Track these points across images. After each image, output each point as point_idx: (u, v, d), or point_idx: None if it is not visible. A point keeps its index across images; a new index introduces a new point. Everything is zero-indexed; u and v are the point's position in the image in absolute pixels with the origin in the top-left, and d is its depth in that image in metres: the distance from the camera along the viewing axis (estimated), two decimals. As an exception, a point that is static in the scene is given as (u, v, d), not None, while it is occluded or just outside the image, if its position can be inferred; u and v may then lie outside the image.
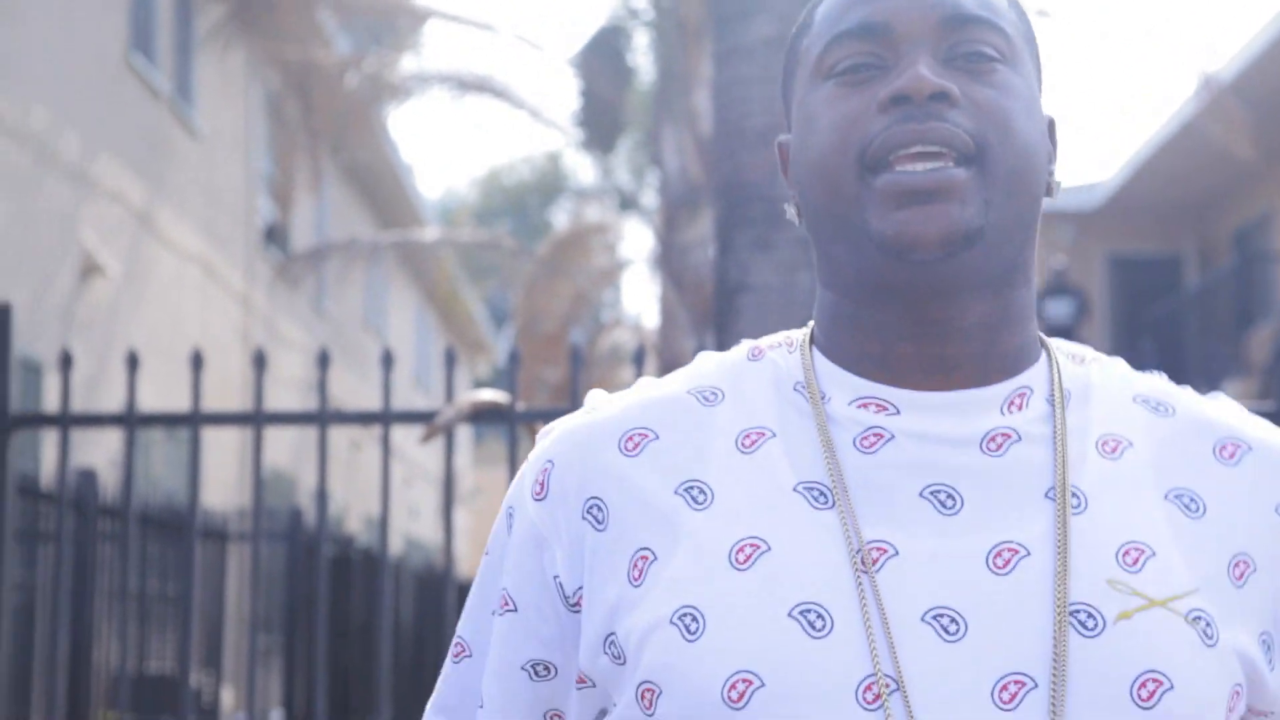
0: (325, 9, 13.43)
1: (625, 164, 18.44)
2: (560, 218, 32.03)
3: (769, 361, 1.10)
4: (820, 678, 0.96)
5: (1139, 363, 1.23)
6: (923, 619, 0.98)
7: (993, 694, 0.96)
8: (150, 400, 10.46)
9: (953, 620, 0.98)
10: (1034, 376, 1.07)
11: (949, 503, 1.01)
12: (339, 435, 16.60)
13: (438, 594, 10.62)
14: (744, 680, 0.97)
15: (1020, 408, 1.05)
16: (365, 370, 18.39)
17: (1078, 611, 0.98)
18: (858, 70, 1.04)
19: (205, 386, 3.51)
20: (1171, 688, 0.97)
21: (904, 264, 1.01)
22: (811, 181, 1.06)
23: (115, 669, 5.98)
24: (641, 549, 1.03)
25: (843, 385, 1.06)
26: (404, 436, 19.04)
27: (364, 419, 3.61)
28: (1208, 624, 1.00)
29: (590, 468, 1.06)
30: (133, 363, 3.48)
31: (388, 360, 3.46)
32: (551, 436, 1.11)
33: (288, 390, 14.64)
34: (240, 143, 14.06)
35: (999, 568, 0.99)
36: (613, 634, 1.03)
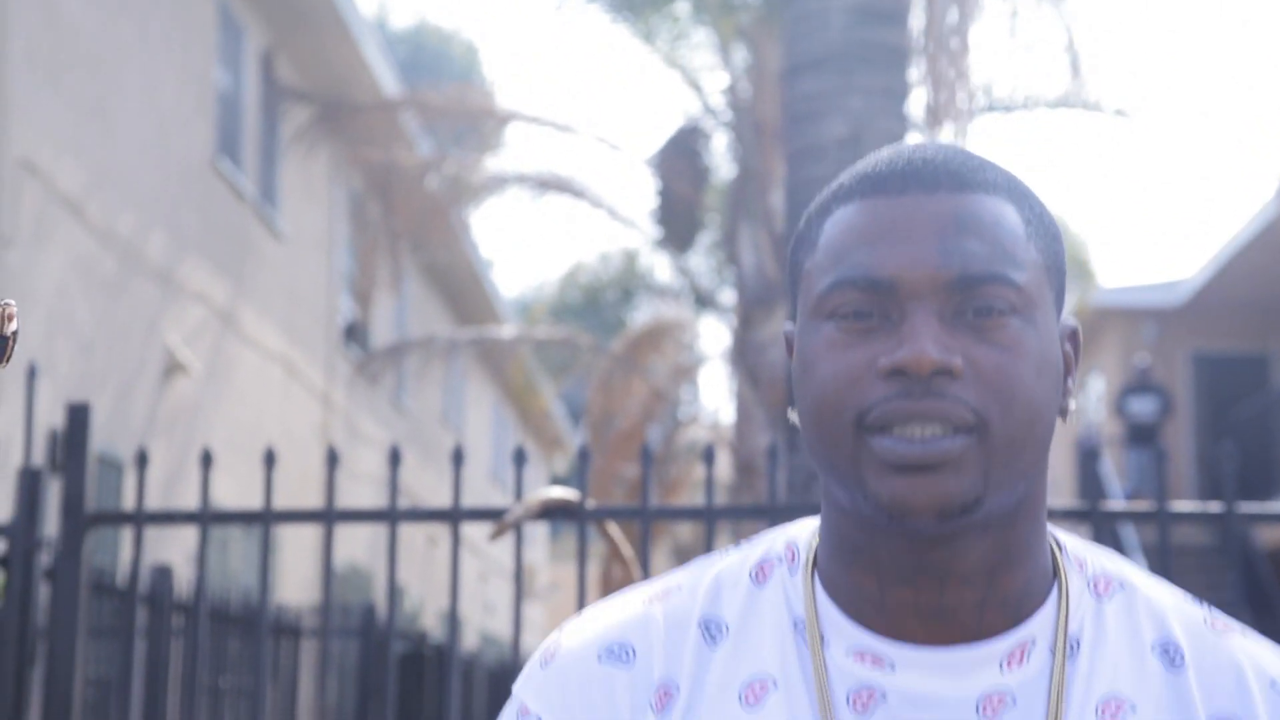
0: (408, 112, 13.66)
1: (702, 262, 18.50)
2: (637, 315, 32.17)
3: (772, 587, 1.08)
4: None
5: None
6: None
7: None
8: (231, 497, 10.54)
9: None
10: (1039, 624, 1.04)
11: None
12: (416, 531, 16.62)
13: (509, 689, 10.56)
14: None
15: (1021, 662, 1.02)
16: (442, 466, 18.46)
17: None
18: (860, 318, 1.02)
19: (285, 483, 3.53)
20: None
21: (899, 524, 1.00)
22: (809, 426, 1.04)
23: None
24: None
25: (841, 631, 1.04)
26: (479, 532, 19.06)
27: (434, 516, 3.61)
28: None
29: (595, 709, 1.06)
30: (206, 461, 3.51)
31: (458, 457, 3.47)
32: (560, 664, 1.09)
33: (366, 486, 14.72)
34: (322, 243, 14.27)
35: None
36: None
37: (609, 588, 15.78)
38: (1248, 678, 1.03)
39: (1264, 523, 3.34)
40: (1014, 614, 1.03)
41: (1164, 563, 3.23)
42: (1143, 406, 16.25)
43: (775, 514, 3.46)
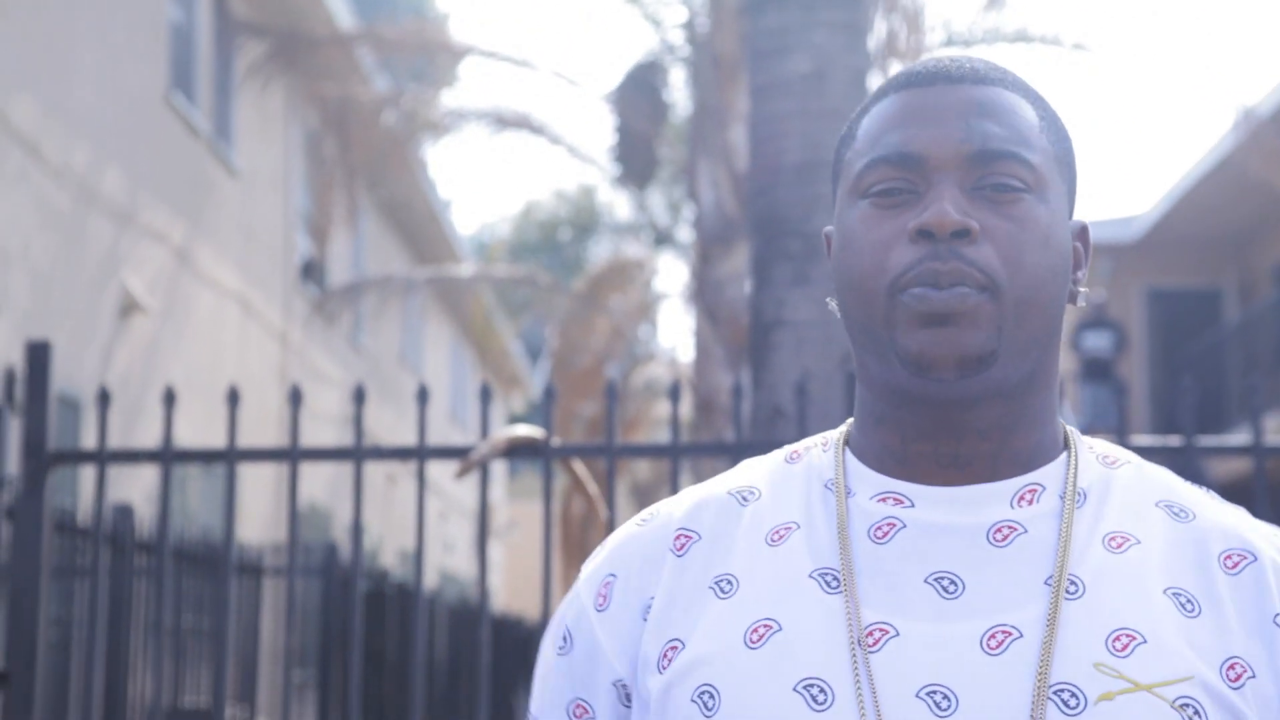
0: (364, 47, 13.52)
1: (661, 199, 18.46)
2: (596, 253, 32.11)
3: (804, 463, 1.21)
4: None
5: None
6: (917, 695, 1.06)
7: None
8: (188, 436, 10.49)
9: (945, 697, 1.05)
10: (1049, 474, 1.15)
11: (951, 588, 1.09)
12: (374, 470, 16.61)
13: (472, 628, 10.60)
14: None
15: (1031, 502, 1.13)
16: (401, 405, 18.43)
17: (1061, 691, 1.05)
18: (890, 194, 1.13)
19: (242, 422, 3.51)
20: None
21: (924, 379, 1.11)
22: (848, 296, 1.15)
23: (150, 703, 5.98)
24: (671, 640, 1.14)
25: (867, 481, 1.16)
26: (439, 471, 19.06)
27: (399, 454, 3.61)
28: (1196, 711, 1.05)
29: (646, 575, 1.18)
30: (170, 399, 3.49)
31: (423, 396, 3.46)
32: (609, 548, 1.23)
33: (324, 426, 14.68)
34: (278, 180, 14.16)
35: (991, 649, 1.07)
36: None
37: (569, 525, 15.82)
38: (1245, 532, 1.14)
39: (1220, 456, 3.38)
40: (1024, 466, 1.15)
41: (1123, 496, 3.27)
42: (1097, 342, 16.37)
43: (739, 451, 3.48)
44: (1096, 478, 1.16)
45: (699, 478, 13.17)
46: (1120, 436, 3.22)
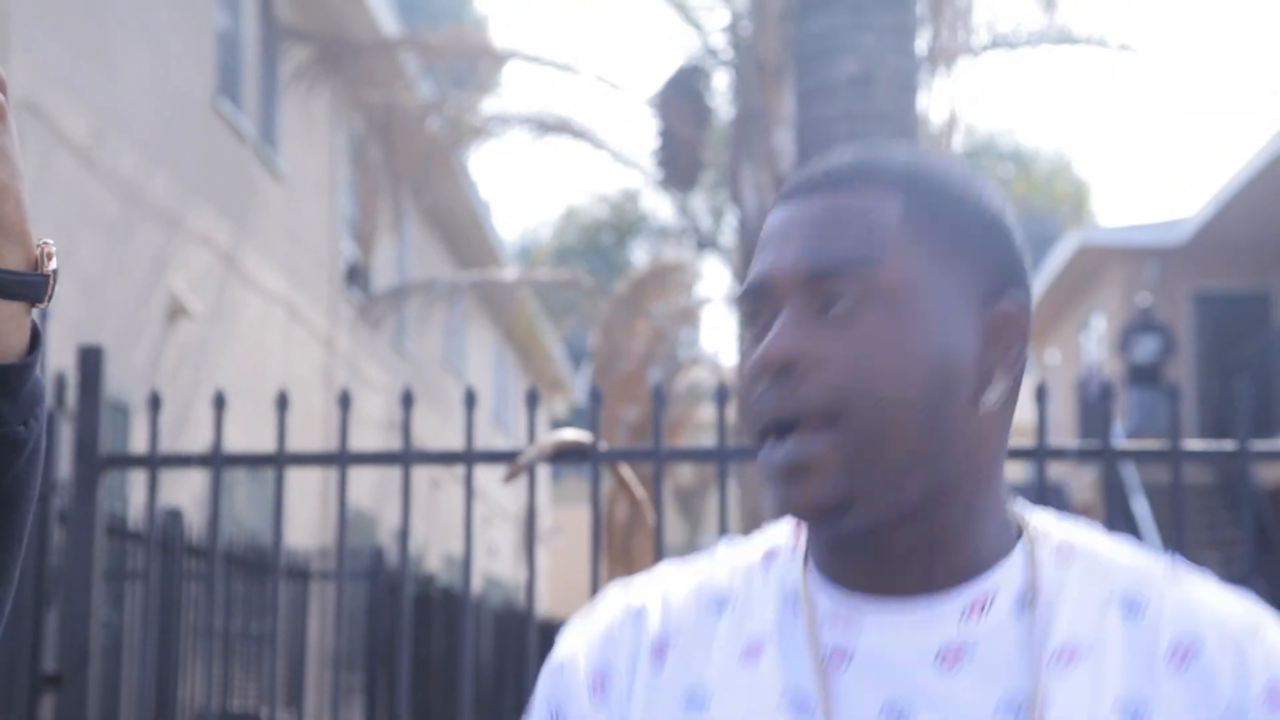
0: (407, 52, 13.58)
1: (703, 203, 18.46)
2: (638, 257, 32.12)
3: (777, 568, 1.15)
4: None
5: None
6: None
7: None
8: (235, 440, 10.56)
9: None
10: (1001, 579, 1.08)
11: (904, 718, 1.04)
12: (419, 474, 16.66)
13: (517, 631, 10.61)
14: None
15: (982, 613, 1.06)
16: (445, 410, 18.48)
17: None
18: (753, 322, 1.10)
19: (288, 426, 3.53)
20: None
21: (808, 526, 1.08)
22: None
23: (200, 706, 6.02)
24: None
25: (823, 593, 1.10)
26: (484, 476, 19.10)
27: (447, 459, 3.61)
28: None
29: (633, 675, 1.13)
30: (219, 404, 3.51)
31: (470, 400, 3.47)
32: (607, 629, 1.16)
33: (369, 429, 14.74)
34: (323, 186, 14.23)
35: None
36: None
37: (613, 530, 15.83)
38: (1201, 618, 1.07)
39: (1272, 461, 3.35)
40: (968, 574, 1.08)
41: (1175, 501, 3.24)
42: (1145, 346, 16.26)
43: (787, 454, 3.47)
44: (1052, 577, 1.09)
45: (744, 481, 13.16)
46: (1172, 441, 3.19)
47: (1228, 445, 3.27)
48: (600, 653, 1.14)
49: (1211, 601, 1.08)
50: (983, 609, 1.06)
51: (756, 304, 1.09)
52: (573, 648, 1.16)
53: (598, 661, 1.14)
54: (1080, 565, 1.09)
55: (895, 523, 1.05)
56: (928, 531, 1.06)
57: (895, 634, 1.06)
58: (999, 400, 1.07)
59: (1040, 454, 3.24)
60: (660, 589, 1.17)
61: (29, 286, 1.07)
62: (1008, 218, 1.11)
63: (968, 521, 1.07)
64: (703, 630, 1.13)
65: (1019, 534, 1.11)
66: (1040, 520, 1.13)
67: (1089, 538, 1.12)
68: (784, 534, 1.17)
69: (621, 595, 1.18)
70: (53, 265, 1.09)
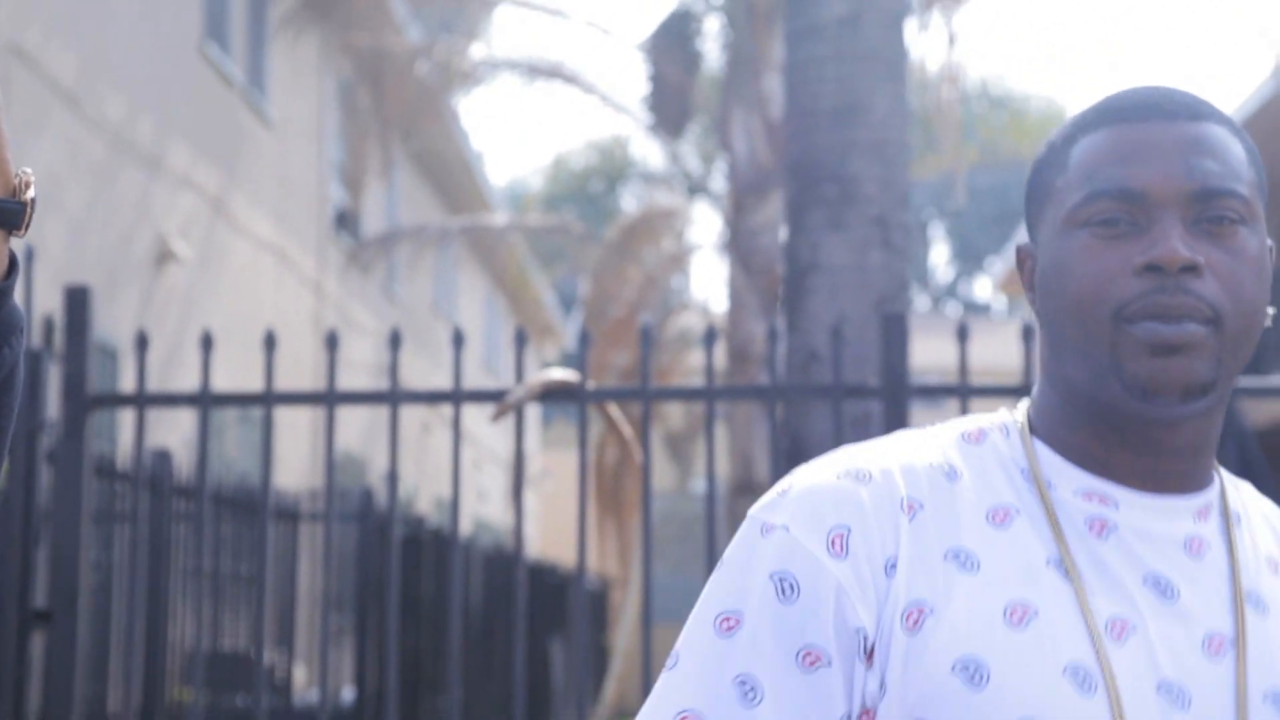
0: (395, -5, 13.49)
1: (694, 149, 18.40)
2: (628, 203, 32.04)
3: (990, 446, 1.24)
4: None
5: None
6: (1157, 691, 1.14)
7: None
8: (224, 385, 10.55)
9: (1179, 694, 1.14)
10: (1214, 494, 1.24)
11: (1168, 591, 1.17)
12: (409, 419, 16.68)
13: (506, 574, 10.66)
14: None
15: (1206, 519, 1.22)
16: (435, 354, 18.49)
17: (1273, 696, 1.16)
18: (1111, 225, 1.18)
19: (278, 371, 3.54)
20: None
21: (1147, 404, 1.17)
22: (1065, 319, 1.20)
23: (190, 647, 6.05)
24: (916, 602, 1.15)
25: (1065, 475, 1.21)
26: (473, 420, 19.14)
27: (435, 398, 3.62)
28: None
29: (885, 532, 1.17)
30: (207, 343, 3.52)
31: (458, 340, 3.47)
32: (819, 499, 1.19)
33: (359, 374, 14.75)
34: (312, 131, 14.17)
35: (1213, 653, 1.16)
36: (882, 675, 1.15)
37: (602, 474, 15.87)
38: None
39: (1258, 397, 3.37)
40: (1202, 484, 1.23)
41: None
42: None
43: (774, 394, 3.48)
44: (1236, 500, 1.26)
45: (733, 425, 13.19)
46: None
47: (1212, 384, 3.28)
48: (833, 515, 1.17)
49: None
50: (1206, 516, 1.22)
51: (1118, 209, 1.18)
52: (783, 515, 1.19)
53: (833, 525, 1.17)
54: (1246, 492, 1.29)
55: (1204, 415, 1.19)
56: (1201, 432, 1.20)
57: (1153, 516, 1.19)
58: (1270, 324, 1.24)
59: (1026, 392, 3.25)
60: (880, 460, 1.22)
61: (7, 214, 1.08)
62: None
63: (1218, 434, 1.23)
64: (943, 495, 1.19)
65: (1214, 468, 1.26)
66: None
67: (1243, 485, 1.31)
68: (978, 420, 1.27)
69: (834, 468, 1.21)
70: (31, 194, 1.09)
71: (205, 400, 3.53)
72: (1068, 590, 1.15)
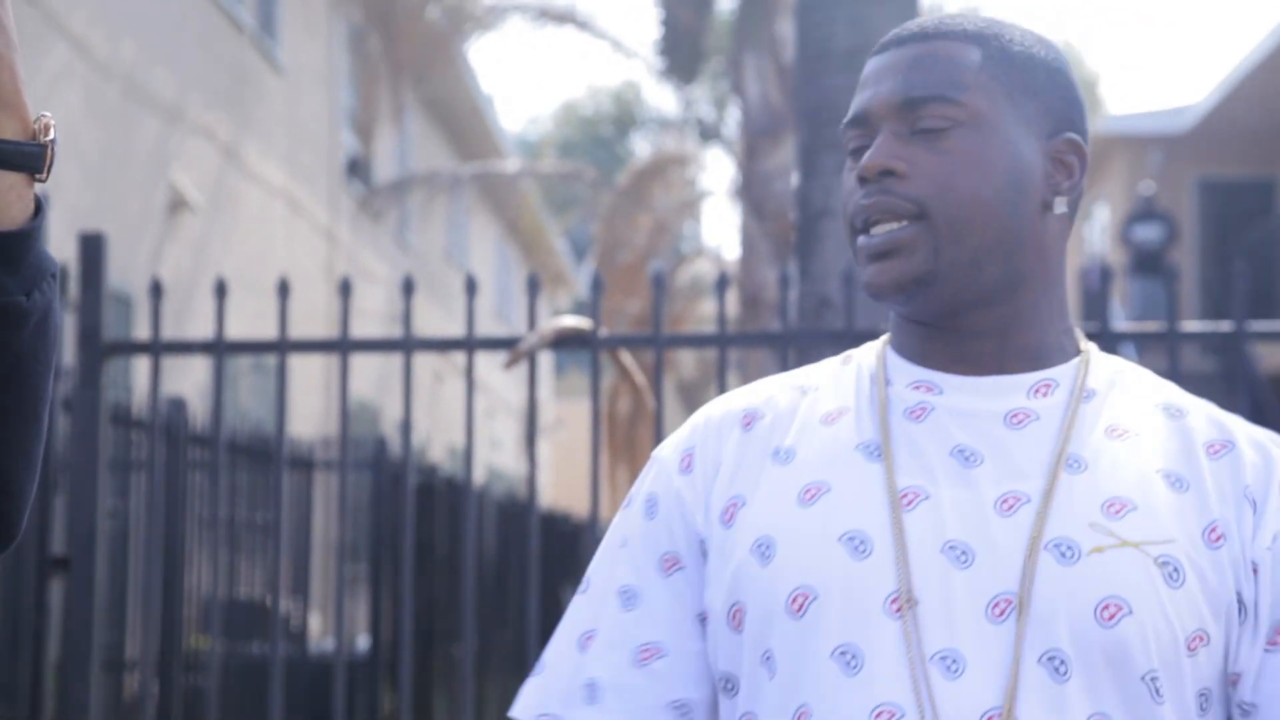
0: (405, -60, 13.40)
1: (706, 94, 18.31)
2: (641, 148, 31.93)
3: (855, 362, 1.36)
4: (860, 592, 1.21)
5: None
6: (940, 550, 1.22)
7: (986, 610, 1.20)
8: (238, 333, 10.56)
9: (963, 552, 1.22)
10: (1062, 373, 1.30)
11: (971, 460, 1.25)
12: (422, 368, 16.71)
13: (520, 523, 10.70)
14: (801, 594, 1.23)
15: (1045, 395, 1.28)
16: (448, 302, 18.49)
17: (1060, 544, 1.21)
18: (856, 152, 1.32)
19: (291, 319, 3.54)
20: (1130, 613, 1.18)
21: (882, 303, 1.29)
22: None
23: (206, 595, 6.09)
24: (733, 498, 1.30)
25: (903, 372, 1.32)
26: (486, 369, 19.16)
27: (448, 345, 3.63)
28: (1175, 569, 1.21)
29: (719, 445, 1.33)
30: (221, 291, 3.52)
31: (471, 286, 3.47)
32: (688, 427, 1.37)
33: (371, 322, 14.76)
34: (323, 77, 14.12)
35: (1004, 510, 1.22)
36: (710, 569, 1.29)
37: (615, 422, 15.90)
38: (1234, 426, 1.31)
39: (1271, 341, 3.36)
40: (1035, 362, 1.30)
41: (1173, 382, 3.25)
42: (1147, 234, 16.21)
43: (787, 340, 3.48)
44: (1105, 381, 1.31)
45: (746, 372, 13.19)
46: (1170, 323, 3.20)
47: (1225, 326, 3.28)
48: (687, 440, 1.35)
49: (1239, 421, 1.33)
50: (1047, 391, 1.28)
51: (857, 135, 1.31)
52: (666, 446, 1.37)
53: (685, 446, 1.35)
54: (1130, 376, 1.33)
55: (971, 304, 1.27)
56: (1001, 316, 1.28)
57: (972, 397, 1.28)
58: (1063, 215, 1.30)
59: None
60: (750, 389, 1.39)
61: (27, 157, 1.08)
62: (1069, 70, 1.34)
63: (1035, 314, 1.30)
64: (788, 406, 1.34)
65: (1078, 351, 1.33)
66: (1100, 352, 1.36)
67: (1146, 371, 1.36)
68: (866, 346, 1.39)
69: (718, 400, 1.39)
70: (51, 136, 1.09)
71: (220, 348, 3.53)
72: (870, 468, 1.26)
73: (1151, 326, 4.80)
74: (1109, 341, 3.29)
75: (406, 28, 12.79)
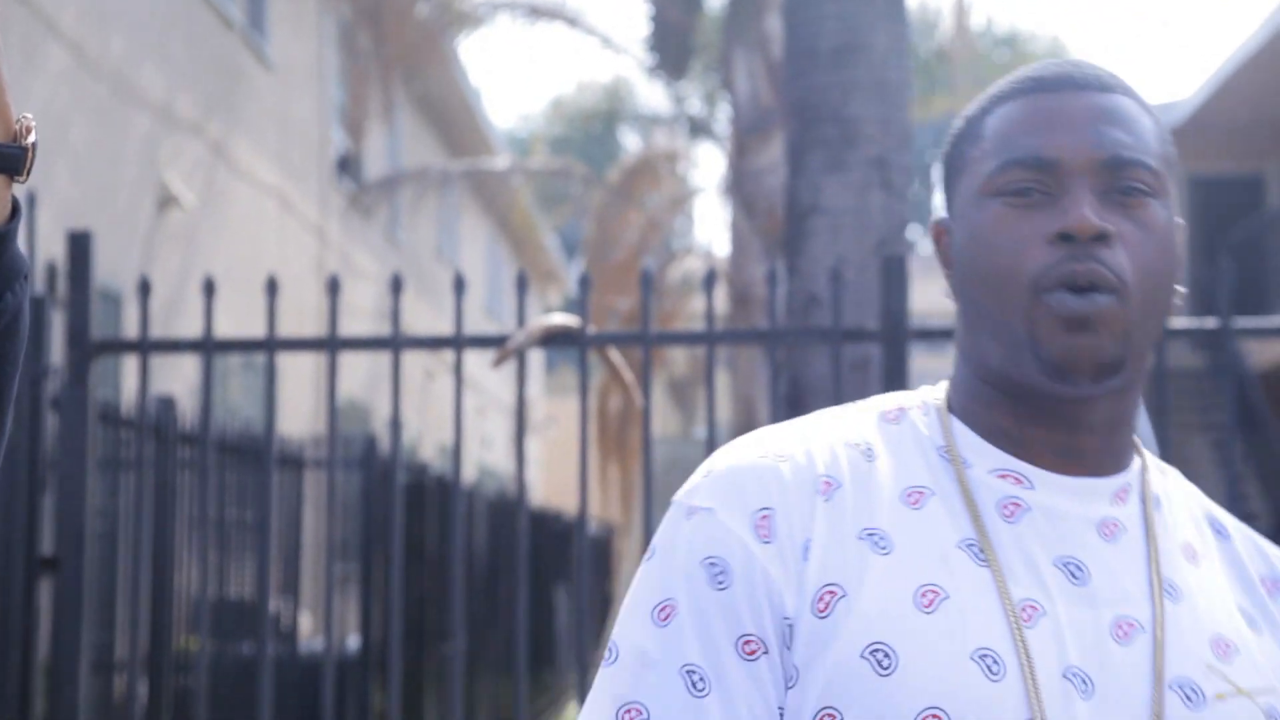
0: (394, -63, 13.39)
1: (696, 90, 18.31)
2: (632, 143, 31.93)
3: (909, 425, 1.23)
4: (994, 717, 1.08)
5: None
6: (1063, 675, 1.11)
7: None
8: (227, 330, 10.55)
9: (1084, 680, 1.11)
10: (1133, 475, 1.22)
11: (1078, 574, 1.15)
12: (412, 365, 16.70)
13: (510, 522, 10.69)
14: (933, 715, 1.08)
15: (1124, 501, 1.20)
16: (438, 300, 18.48)
17: (1183, 685, 1.13)
18: (1025, 194, 1.17)
19: (281, 316, 3.54)
20: None
21: (1062, 382, 1.15)
22: (981, 292, 1.19)
23: (196, 594, 6.08)
24: (828, 585, 1.13)
25: (982, 454, 1.20)
26: (477, 366, 19.15)
27: (437, 343, 3.63)
28: (1276, 717, 1.14)
29: (802, 513, 1.16)
30: (209, 289, 3.52)
31: (460, 284, 3.47)
32: (744, 478, 1.17)
33: (361, 320, 14.75)
34: (313, 73, 14.10)
35: (1120, 637, 1.13)
36: (794, 662, 1.12)
37: (605, 420, 15.89)
38: (1270, 553, 1.26)
39: (1258, 338, 3.36)
40: (1119, 463, 1.21)
41: (1159, 382, 3.26)
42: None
43: (775, 338, 3.48)
44: (1159, 484, 1.24)
45: (735, 369, 13.19)
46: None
47: (1211, 323, 3.29)
48: (756, 496, 1.16)
49: (1274, 547, 1.28)
50: (1125, 496, 1.20)
51: (1030, 178, 1.17)
52: (710, 497, 1.17)
53: (756, 505, 1.15)
54: (1172, 478, 1.27)
55: (1118, 392, 1.18)
56: (1121, 411, 1.19)
57: (1067, 497, 1.17)
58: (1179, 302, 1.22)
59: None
60: (801, 439, 1.21)
61: (7, 159, 1.08)
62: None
63: (1137, 403, 1.21)
64: (861, 475, 1.18)
65: (1137, 450, 1.25)
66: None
67: (1170, 470, 1.29)
68: (899, 399, 1.26)
69: (756, 447, 1.20)
70: (32, 139, 1.09)
71: (208, 346, 3.53)
72: (980, 573, 1.13)
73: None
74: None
75: (396, 24, 12.77)
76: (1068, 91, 1.20)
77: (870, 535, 1.14)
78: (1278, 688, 1.16)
